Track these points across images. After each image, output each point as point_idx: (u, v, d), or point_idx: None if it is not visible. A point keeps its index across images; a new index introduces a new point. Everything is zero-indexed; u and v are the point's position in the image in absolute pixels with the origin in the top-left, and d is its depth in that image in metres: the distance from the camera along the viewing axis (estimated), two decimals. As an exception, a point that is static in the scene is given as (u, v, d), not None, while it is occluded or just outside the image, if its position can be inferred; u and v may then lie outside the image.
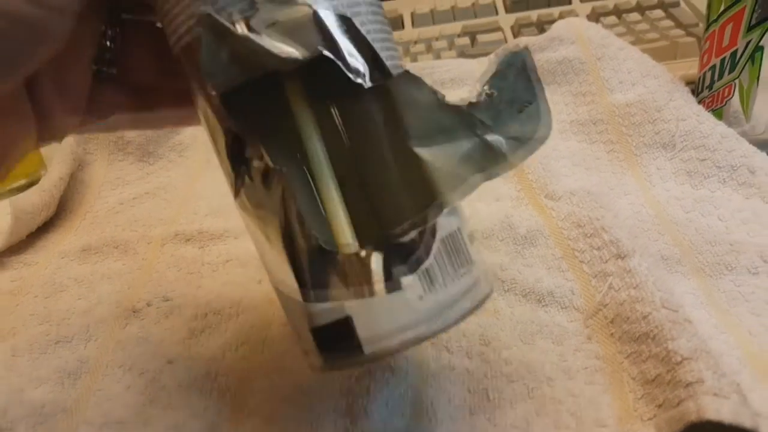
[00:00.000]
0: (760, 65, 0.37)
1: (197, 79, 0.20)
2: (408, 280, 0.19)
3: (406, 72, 0.20)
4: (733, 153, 0.36)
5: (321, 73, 0.20)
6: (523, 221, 0.35)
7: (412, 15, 0.60)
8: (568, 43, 0.46)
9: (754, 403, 0.24)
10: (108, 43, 0.22)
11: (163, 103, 0.24)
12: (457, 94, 0.46)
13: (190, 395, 0.28)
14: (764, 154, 0.36)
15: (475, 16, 0.59)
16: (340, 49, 0.19)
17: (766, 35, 0.36)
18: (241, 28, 0.18)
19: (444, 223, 0.20)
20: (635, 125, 0.40)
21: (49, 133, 0.22)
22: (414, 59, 0.53)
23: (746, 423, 0.22)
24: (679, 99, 0.40)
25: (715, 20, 0.38)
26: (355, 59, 0.19)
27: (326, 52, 0.18)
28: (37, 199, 0.40)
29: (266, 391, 0.28)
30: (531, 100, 0.21)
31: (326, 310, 0.19)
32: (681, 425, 0.23)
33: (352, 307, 0.19)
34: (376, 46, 0.19)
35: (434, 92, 0.20)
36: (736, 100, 0.39)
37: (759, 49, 0.36)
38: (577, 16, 0.55)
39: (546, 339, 0.29)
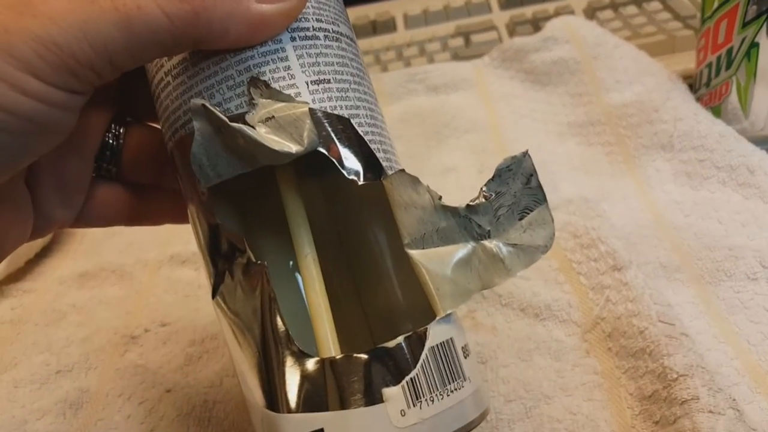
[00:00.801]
0: (757, 61, 0.36)
1: (187, 174, 0.20)
2: (390, 392, 0.18)
3: (402, 171, 0.19)
4: (732, 153, 0.36)
5: (314, 171, 0.20)
6: (520, 231, 0.35)
7: (405, 17, 0.59)
8: (562, 43, 0.45)
9: (751, 417, 0.24)
10: (111, 142, 0.23)
11: (159, 202, 0.25)
12: (450, 98, 0.46)
13: (188, 425, 0.28)
14: (763, 152, 0.36)
15: (469, 15, 0.58)
16: (336, 145, 0.18)
17: (760, 31, 0.35)
18: (236, 121, 0.18)
19: (436, 331, 0.19)
20: (633, 126, 0.40)
21: (43, 226, 0.22)
22: (407, 63, 0.53)
23: (743, 441, 0.22)
24: (676, 98, 0.39)
25: (710, 17, 0.38)
26: (350, 158, 0.19)
27: (322, 149, 0.18)
28: (34, 225, 0.40)
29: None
30: (532, 207, 0.20)
31: (295, 421, 0.18)
32: (678, 444, 0.23)
33: (326, 419, 0.17)
34: (373, 146, 0.19)
35: (431, 193, 0.19)
36: (734, 97, 0.38)
37: (754, 45, 0.36)
38: (572, 11, 0.54)
39: (544, 355, 0.28)
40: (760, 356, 0.27)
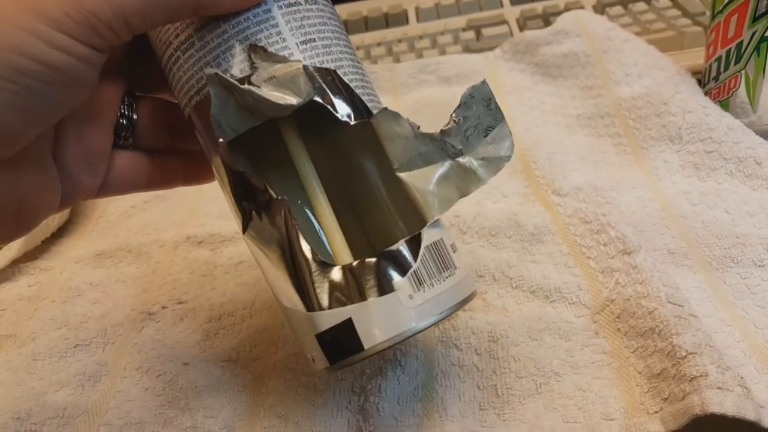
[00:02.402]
0: (766, 56, 0.37)
1: (207, 133, 0.23)
2: (399, 282, 0.22)
3: (385, 109, 0.23)
4: (739, 145, 0.36)
5: (311, 117, 0.23)
6: (531, 218, 0.35)
7: (417, 10, 0.60)
8: (573, 36, 0.46)
9: (758, 395, 0.24)
10: (126, 113, 0.25)
11: (172, 166, 0.27)
12: (462, 89, 0.46)
13: (206, 396, 0.28)
14: (771, 145, 0.36)
15: (480, 10, 0.59)
16: (328, 94, 0.22)
17: (771, 26, 0.36)
18: (244, 83, 0.22)
19: (428, 234, 0.23)
20: (642, 118, 0.40)
21: (70, 197, 0.24)
22: (419, 55, 0.53)
23: (749, 415, 0.22)
24: (685, 91, 0.40)
25: (720, 11, 0.38)
26: (341, 103, 0.22)
27: (318, 99, 0.22)
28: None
29: (280, 391, 0.28)
30: (494, 125, 0.23)
31: (329, 315, 0.22)
32: (686, 418, 0.23)
33: (352, 310, 0.22)
34: (358, 91, 0.23)
35: (410, 124, 0.23)
36: (742, 91, 0.39)
37: (764, 40, 0.36)
38: (582, 7, 0.55)
39: (554, 335, 0.29)
40: (766, 339, 0.28)
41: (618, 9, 0.54)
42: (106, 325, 0.33)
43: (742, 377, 0.24)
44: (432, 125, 0.45)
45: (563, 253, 0.33)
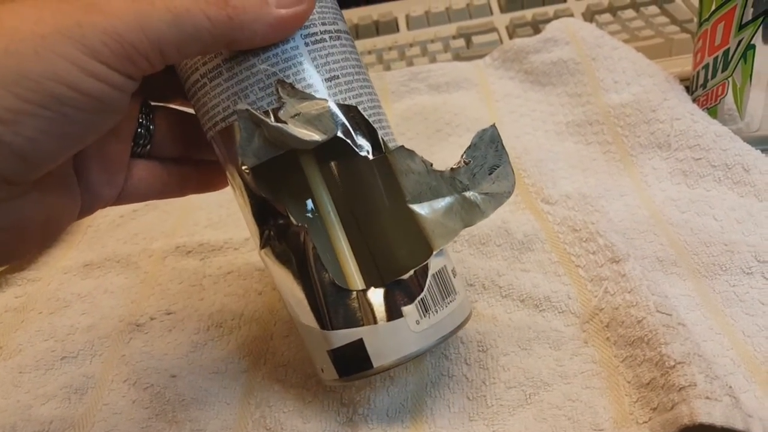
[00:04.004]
0: (753, 63, 0.37)
1: (231, 157, 0.25)
2: (407, 309, 0.24)
3: (402, 147, 0.25)
4: (727, 152, 0.37)
5: (331, 150, 0.25)
6: (520, 226, 0.35)
7: (407, 18, 0.60)
8: (562, 44, 0.46)
9: (747, 405, 0.24)
10: (144, 123, 0.26)
11: (186, 174, 0.28)
12: (452, 97, 0.47)
13: (193, 409, 0.28)
14: (758, 152, 0.36)
15: (470, 17, 0.59)
16: (350, 131, 0.24)
17: (757, 34, 0.36)
18: (272, 119, 0.23)
19: (434, 262, 0.25)
20: (630, 125, 0.41)
21: (90, 207, 0.25)
22: (410, 63, 0.53)
23: (738, 425, 0.22)
24: (673, 98, 0.40)
25: (707, 19, 0.38)
26: (361, 139, 0.24)
27: (340, 135, 0.23)
28: (39, 215, 0.40)
29: (268, 403, 0.28)
30: (498, 164, 0.25)
31: (341, 335, 0.24)
32: (675, 428, 0.23)
33: (363, 331, 0.24)
34: (376, 126, 0.25)
35: (424, 161, 0.25)
36: (730, 98, 0.39)
37: (751, 47, 0.37)
38: (571, 14, 0.55)
39: (543, 344, 0.29)
40: (755, 347, 0.28)
41: (607, 16, 0.54)
42: (93, 336, 0.33)
43: (730, 386, 0.24)
44: (422, 133, 0.46)
45: (552, 262, 0.33)
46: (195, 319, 0.33)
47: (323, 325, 0.24)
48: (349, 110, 0.24)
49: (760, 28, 0.36)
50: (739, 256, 0.31)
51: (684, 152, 0.38)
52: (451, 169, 0.25)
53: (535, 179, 0.38)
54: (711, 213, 0.35)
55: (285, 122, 0.23)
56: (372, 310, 0.24)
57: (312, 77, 0.23)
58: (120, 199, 0.26)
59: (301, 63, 0.23)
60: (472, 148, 0.25)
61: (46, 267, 0.40)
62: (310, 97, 0.23)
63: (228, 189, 0.44)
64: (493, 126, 0.25)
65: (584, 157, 0.41)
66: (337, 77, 0.24)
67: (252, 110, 0.23)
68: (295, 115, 0.23)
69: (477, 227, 0.36)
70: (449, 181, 0.25)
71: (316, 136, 0.23)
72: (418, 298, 0.24)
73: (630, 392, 0.26)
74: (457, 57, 0.53)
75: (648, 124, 0.40)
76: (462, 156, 0.25)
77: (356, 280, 0.25)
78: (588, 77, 0.44)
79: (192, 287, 0.35)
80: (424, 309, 0.24)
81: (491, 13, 0.59)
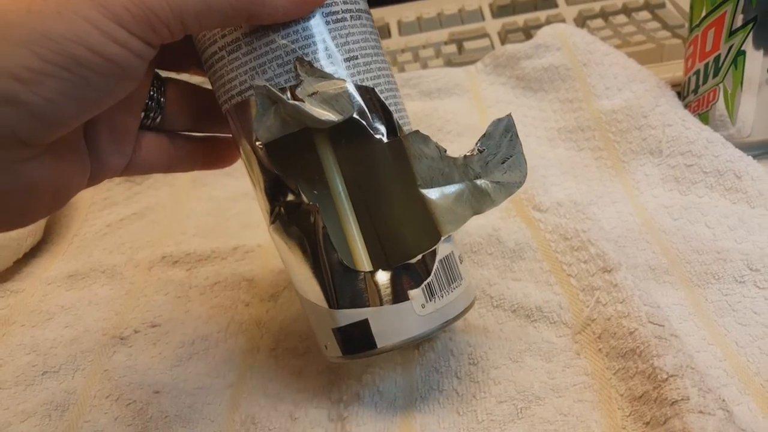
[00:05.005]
0: (744, 69, 0.37)
1: (245, 132, 0.25)
2: (414, 293, 0.24)
3: (416, 131, 0.25)
4: (719, 158, 0.36)
5: (346, 131, 0.25)
6: (512, 234, 0.35)
7: (399, 23, 0.60)
8: (553, 50, 0.46)
9: (741, 418, 0.24)
10: (155, 95, 0.26)
11: (193, 149, 0.28)
12: (444, 103, 0.46)
13: (176, 426, 0.28)
14: (750, 158, 0.36)
15: (462, 23, 0.59)
16: (366, 113, 0.24)
17: (747, 39, 0.36)
18: (288, 97, 0.23)
19: (442, 248, 0.25)
20: (622, 132, 0.40)
21: (98, 175, 0.25)
22: (401, 69, 0.53)
23: (732, 441, 0.22)
24: (665, 104, 0.40)
25: (698, 25, 0.38)
26: (377, 122, 0.24)
27: (356, 117, 0.23)
28: (22, 225, 0.39)
29: (253, 420, 0.27)
30: (512, 154, 0.25)
31: (347, 314, 0.24)
32: (669, 444, 0.23)
33: (369, 312, 0.24)
34: (392, 109, 0.25)
35: (438, 147, 0.25)
36: (721, 104, 0.39)
37: (741, 53, 0.36)
38: (563, 20, 0.55)
39: (535, 356, 0.29)
40: (749, 358, 0.27)
41: (599, 22, 0.54)
42: (76, 350, 0.32)
43: (723, 400, 0.24)
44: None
45: (544, 271, 0.33)
46: (180, 332, 0.33)
47: (330, 304, 0.24)
48: (366, 92, 0.24)
49: (751, 34, 0.36)
50: (731, 264, 0.31)
51: (676, 158, 0.38)
52: (465, 156, 0.25)
53: (527, 186, 0.38)
54: (703, 220, 0.34)
55: (302, 100, 0.23)
56: (378, 291, 0.24)
57: (331, 56, 0.23)
58: (128, 170, 0.26)
59: (321, 41, 0.23)
60: (486, 136, 0.25)
61: (30, 278, 0.39)
62: (328, 77, 0.23)
63: (217, 197, 0.43)
64: (509, 116, 0.25)
65: (576, 164, 0.41)
66: (356, 57, 0.24)
67: (269, 86, 0.23)
68: (313, 93, 0.23)
69: (468, 235, 0.35)
70: (462, 168, 0.25)
71: (332, 116, 0.23)
72: (425, 283, 0.24)
73: (623, 405, 0.26)
74: (449, 63, 0.52)
75: (640, 130, 0.40)
76: (476, 144, 0.25)
77: (364, 262, 0.25)
78: (579, 83, 0.44)
79: (178, 298, 0.35)
80: (430, 293, 0.25)
81: (483, 19, 0.59)
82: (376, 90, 0.24)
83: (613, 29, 0.52)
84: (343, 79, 0.23)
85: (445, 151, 0.25)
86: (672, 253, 0.33)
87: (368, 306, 0.24)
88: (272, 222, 0.25)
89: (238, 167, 0.44)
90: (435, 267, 0.25)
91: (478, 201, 0.25)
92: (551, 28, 0.47)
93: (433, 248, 0.25)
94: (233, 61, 0.24)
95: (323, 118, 0.23)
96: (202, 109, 0.27)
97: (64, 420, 0.29)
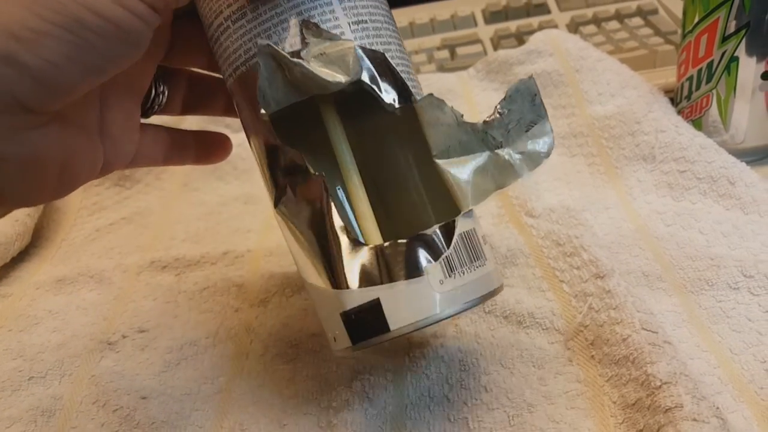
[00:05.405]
0: (736, 75, 0.37)
1: (249, 105, 0.23)
2: (430, 267, 0.22)
3: (430, 95, 0.23)
4: (712, 164, 0.36)
5: (352, 99, 0.24)
6: (504, 240, 0.35)
7: (392, 28, 0.60)
8: (546, 56, 0.46)
9: (735, 426, 0.23)
10: (159, 83, 0.26)
11: (186, 143, 0.29)
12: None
13: (164, 433, 0.27)
14: (743, 164, 0.36)
15: (455, 29, 0.59)
16: (376, 77, 0.22)
17: (740, 46, 0.36)
18: (294, 58, 0.22)
19: (462, 222, 0.23)
20: (615, 138, 0.40)
21: (110, 162, 0.25)
22: (393, 74, 0.53)
23: (726, 449, 0.22)
24: (658, 110, 0.40)
25: (691, 31, 0.38)
26: (387, 86, 0.23)
27: (365, 80, 0.22)
28: (10, 229, 0.39)
29: (242, 427, 0.27)
30: (536, 121, 0.23)
31: (356, 294, 0.22)
32: (662, 452, 0.22)
33: (381, 290, 0.22)
34: (403, 76, 0.23)
35: (454, 112, 0.23)
36: (714, 110, 0.39)
37: (734, 59, 0.36)
38: (556, 25, 0.55)
39: (526, 363, 0.28)
40: (743, 365, 0.27)
41: (591, 28, 0.54)
42: (63, 355, 0.32)
43: (717, 407, 0.23)
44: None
45: (536, 277, 0.32)
46: (168, 338, 0.32)
47: (336, 284, 0.22)
48: (375, 55, 0.23)
49: (743, 40, 0.36)
50: (725, 270, 0.31)
51: (669, 164, 0.38)
52: (484, 122, 0.23)
53: (519, 192, 0.38)
54: (697, 226, 0.34)
55: (307, 61, 0.22)
56: (390, 266, 0.22)
57: (338, 18, 0.22)
58: (133, 162, 0.26)
59: (328, 4, 0.22)
60: (507, 99, 0.23)
61: (18, 282, 0.38)
62: (335, 38, 0.22)
63: (207, 202, 0.43)
64: (531, 78, 0.23)
65: (568, 170, 0.41)
66: (365, 22, 0.23)
67: (273, 46, 0.22)
68: (319, 54, 0.22)
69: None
70: (481, 136, 0.23)
71: (339, 77, 0.22)
72: (443, 256, 0.22)
73: (615, 413, 0.25)
74: (441, 68, 0.52)
75: (633, 136, 0.39)
76: (496, 107, 0.23)
77: (375, 236, 0.23)
78: (572, 89, 0.43)
79: (166, 304, 0.34)
80: (449, 268, 0.22)
81: (475, 25, 0.59)
82: (387, 55, 0.23)
83: (606, 35, 0.53)
84: (351, 40, 0.22)
85: (462, 116, 0.23)
86: (665, 260, 0.33)
87: (380, 284, 0.22)
88: (277, 203, 0.24)
89: (229, 171, 0.43)
90: (455, 241, 0.22)
91: (502, 173, 0.23)
92: (544, 34, 0.47)
93: (452, 220, 0.23)
94: (238, 29, 0.23)
95: (330, 78, 0.22)
96: (199, 94, 0.28)
97: (51, 426, 0.28)
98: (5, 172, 0.20)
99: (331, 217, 0.22)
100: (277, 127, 0.23)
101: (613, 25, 0.54)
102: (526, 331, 0.30)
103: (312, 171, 0.22)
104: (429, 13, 0.60)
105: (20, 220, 0.40)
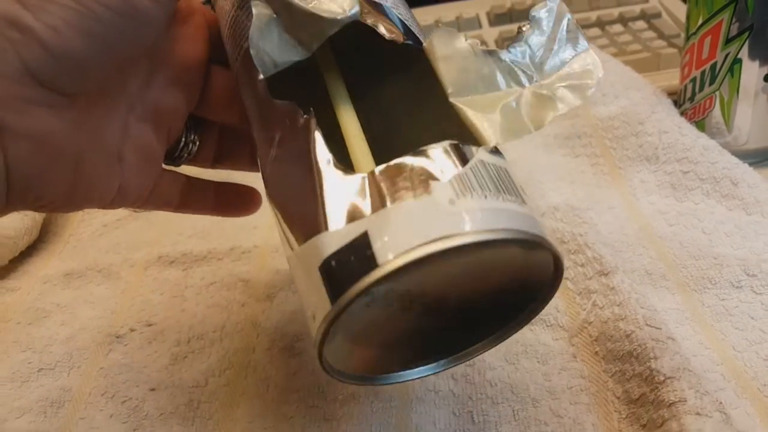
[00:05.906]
0: (740, 77, 0.37)
1: (250, 83, 0.21)
2: (437, 184, 0.16)
3: (441, 27, 0.20)
4: (715, 165, 0.37)
5: (356, 71, 0.22)
6: (508, 238, 0.35)
7: (397, 29, 0.60)
8: (550, 57, 0.46)
9: (738, 420, 0.24)
10: (189, 135, 0.26)
11: (206, 193, 0.28)
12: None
13: (172, 424, 0.27)
14: (746, 165, 0.36)
15: (459, 30, 0.59)
16: (374, 16, 0.20)
17: (743, 48, 0.36)
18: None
19: (486, 155, 0.18)
20: (618, 138, 0.41)
21: (125, 194, 0.24)
22: (399, 74, 0.53)
23: (729, 443, 0.22)
24: (661, 111, 0.40)
25: (694, 33, 0.39)
26: (388, 26, 0.21)
27: (360, 7, 0.20)
28: (19, 224, 0.39)
29: (249, 419, 0.27)
30: (575, 49, 0.20)
31: (341, 233, 0.16)
32: (665, 446, 0.23)
33: (369, 222, 0.16)
34: (408, 22, 0.22)
35: (470, 42, 0.20)
36: (717, 112, 0.39)
37: (737, 61, 0.37)
38: (560, 28, 0.55)
39: (531, 359, 0.29)
40: (746, 362, 0.27)
41: (595, 31, 0.54)
42: (71, 348, 0.32)
43: (720, 402, 0.24)
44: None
45: (541, 274, 0.33)
46: (176, 331, 0.32)
47: (321, 227, 0.17)
48: (375, 5, 0.21)
49: (747, 42, 0.36)
50: (728, 269, 0.31)
51: (672, 165, 0.38)
52: (508, 49, 0.20)
53: (524, 191, 0.38)
54: (700, 226, 0.34)
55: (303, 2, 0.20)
56: (381, 192, 0.16)
57: None
58: (148, 200, 0.25)
59: None
60: (534, 22, 0.20)
61: (26, 276, 0.39)
62: None
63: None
64: (560, 1, 0.20)
65: (572, 170, 0.41)
66: None
67: None
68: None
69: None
70: (507, 69, 0.20)
71: (335, 14, 0.20)
72: (455, 174, 0.17)
73: (619, 408, 0.26)
74: (447, 69, 0.53)
75: (636, 136, 0.40)
76: (520, 27, 0.20)
77: (366, 164, 0.20)
78: (577, 90, 0.44)
79: (174, 298, 0.35)
80: (463, 187, 0.17)
81: (480, 27, 0.59)
82: (385, 5, 0.21)
83: (610, 38, 0.53)
84: None
85: (480, 44, 0.20)
86: (668, 258, 0.33)
87: (368, 215, 0.16)
88: (266, 165, 0.20)
89: (235, 171, 0.43)
90: (473, 163, 0.17)
91: (538, 109, 0.19)
92: (549, 36, 0.47)
93: (471, 145, 0.18)
94: (243, 12, 0.22)
95: (327, 15, 0.20)
96: (228, 147, 0.28)
97: (60, 417, 0.29)
98: (16, 149, 0.19)
99: (316, 145, 0.18)
100: (274, 91, 0.20)
101: (617, 28, 0.54)
102: (530, 327, 0.30)
103: (302, 113, 0.19)
104: (434, 14, 0.61)
105: (29, 214, 0.40)
